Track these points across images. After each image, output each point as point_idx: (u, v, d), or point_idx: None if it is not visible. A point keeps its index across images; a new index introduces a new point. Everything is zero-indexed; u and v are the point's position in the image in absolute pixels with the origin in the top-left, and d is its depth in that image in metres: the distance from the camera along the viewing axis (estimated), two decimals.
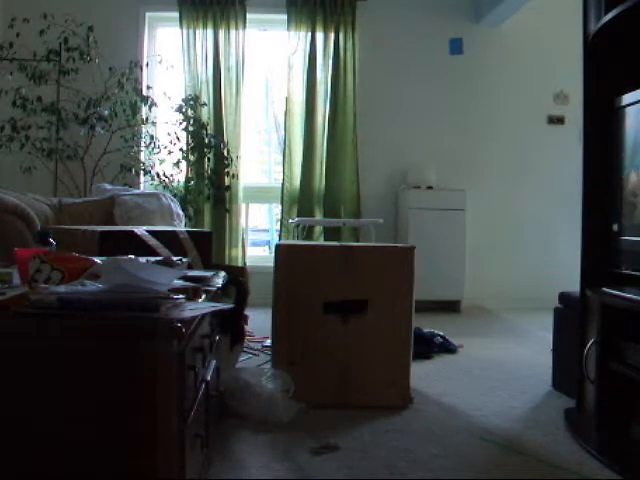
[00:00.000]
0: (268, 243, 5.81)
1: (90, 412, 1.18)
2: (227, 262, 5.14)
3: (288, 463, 1.93)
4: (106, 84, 4.92)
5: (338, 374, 2.46)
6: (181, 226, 4.15)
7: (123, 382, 1.18)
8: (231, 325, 2.54)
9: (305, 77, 5.33)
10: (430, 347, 3.41)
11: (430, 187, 5.13)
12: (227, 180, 5.21)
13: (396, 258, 2.53)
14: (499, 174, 5.48)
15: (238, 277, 2.74)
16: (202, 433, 1.51)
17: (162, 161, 5.05)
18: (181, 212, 4.34)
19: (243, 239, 5.34)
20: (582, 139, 2.48)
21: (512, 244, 5.42)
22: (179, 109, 5.01)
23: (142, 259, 1.75)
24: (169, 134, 5.02)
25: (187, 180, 5.15)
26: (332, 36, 5.35)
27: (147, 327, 1.17)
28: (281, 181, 5.38)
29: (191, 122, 5.04)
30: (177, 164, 5.05)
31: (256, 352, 3.30)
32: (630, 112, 2.25)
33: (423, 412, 2.41)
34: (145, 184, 5.19)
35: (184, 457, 1.29)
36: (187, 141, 5.11)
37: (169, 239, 2.36)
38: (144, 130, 5.05)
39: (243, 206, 5.42)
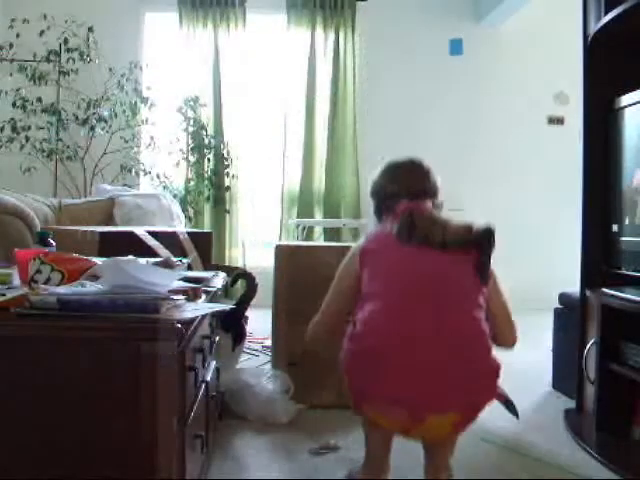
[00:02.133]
0: (268, 243, 5.81)
1: (90, 412, 1.18)
2: (227, 262, 5.14)
3: (288, 463, 1.93)
4: (106, 85, 4.92)
5: (338, 374, 2.46)
6: (181, 227, 4.15)
7: (123, 383, 1.18)
8: (234, 324, 2.54)
9: (305, 77, 5.33)
10: None
11: None
12: (227, 181, 5.21)
13: None
14: (499, 174, 5.48)
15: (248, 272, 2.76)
16: (202, 434, 1.51)
17: (162, 162, 5.05)
18: (181, 213, 4.34)
19: (243, 240, 5.34)
20: (582, 139, 2.48)
21: (512, 244, 5.39)
22: (179, 110, 5.01)
23: (142, 260, 1.75)
24: (169, 135, 5.02)
25: (187, 181, 5.15)
26: (332, 36, 5.35)
27: (147, 328, 1.17)
28: (281, 181, 5.37)
29: (191, 123, 5.05)
30: (177, 165, 5.05)
31: (256, 353, 3.30)
32: (630, 112, 2.25)
33: None
34: (145, 185, 5.19)
35: (184, 457, 1.30)
36: (187, 142, 5.11)
37: (169, 240, 2.35)
38: (144, 131, 5.05)
39: (243, 206, 5.41)
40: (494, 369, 1.55)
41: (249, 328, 3.51)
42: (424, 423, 1.51)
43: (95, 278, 1.44)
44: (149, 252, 2.14)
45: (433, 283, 1.57)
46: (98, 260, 1.61)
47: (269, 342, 3.00)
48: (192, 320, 1.29)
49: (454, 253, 1.58)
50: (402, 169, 1.82)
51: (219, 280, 2.01)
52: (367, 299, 1.59)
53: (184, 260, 2.05)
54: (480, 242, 1.60)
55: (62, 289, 1.33)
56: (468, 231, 1.60)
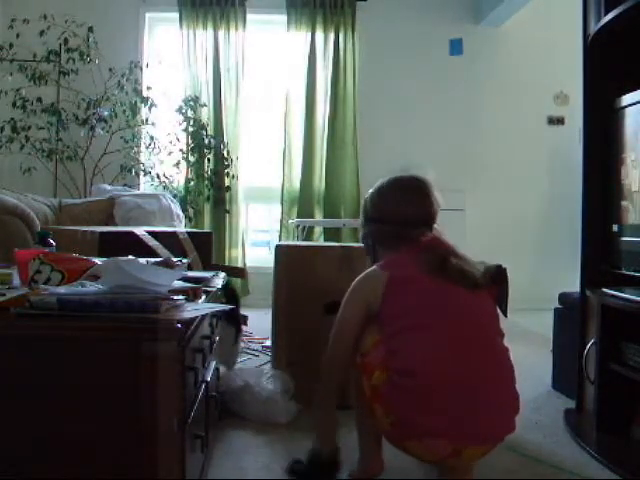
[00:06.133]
0: (268, 244, 5.81)
1: (90, 412, 1.18)
2: (227, 263, 5.14)
3: (288, 464, 1.92)
4: (106, 85, 4.92)
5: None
6: (181, 227, 4.15)
7: (123, 383, 1.18)
8: (234, 315, 2.55)
9: (305, 77, 5.33)
10: None
11: None
12: (227, 181, 5.21)
13: None
14: (499, 174, 5.48)
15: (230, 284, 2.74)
16: (202, 434, 1.51)
17: (162, 162, 5.05)
18: (181, 213, 4.34)
19: (243, 240, 5.34)
20: (582, 139, 2.48)
21: (512, 244, 5.41)
22: (179, 110, 5.01)
23: (142, 260, 1.75)
24: (169, 135, 5.02)
25: (187, 181, 5.15)
26: (332, 36, 5.35)
27: (147, 328, 1.17)
28: (281, 181, 5.37)
29: (191, 123, 5.04)
30: (177, 165, 5.05)
31: (256, 353, 3.30)
32: (630, 112, 2.25)
33: None
34: (145, 185, 5.19)
35: (184, 457, 1.29)
36: (187, 142, 5.11)
37: (169, 240, 2.36)
38: (144, 131, 5.05)
39: (243, 207, 5.42)
40: (517, 400, 1.62)
41: (249, 328, 3.52)
42: (461, 455, 1.54)
43: (95, 278, 1.44)
44: (149, 252, 2.14)
45: (471, 318, 1.63)
46: (98, 260, 1.61)
47: (269, 342, 3.00)
48: (192, 320, 1.29)
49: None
50: (414, 191, 1.79)
51: (219, 280, 2.01)
52: (410, 330, 1.58)
53: (184, 260, 2.05)
54: (501, 280, 1.77)
55: (62, 289, 1.33)
56: (487, 270, 1.72)
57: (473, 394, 1.53)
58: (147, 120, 5.02)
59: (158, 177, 4.97)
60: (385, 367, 1.56)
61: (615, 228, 2.31)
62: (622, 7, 2.11)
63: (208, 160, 5.18)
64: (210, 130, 5.19)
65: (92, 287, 1.35)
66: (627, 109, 2.27)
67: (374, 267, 1.70)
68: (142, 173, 5.04)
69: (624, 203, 2.28)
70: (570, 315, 2.63)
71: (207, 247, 2.62)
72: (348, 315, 1.70)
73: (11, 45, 4.66)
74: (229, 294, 2.58)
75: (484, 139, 5.49)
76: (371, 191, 1.85)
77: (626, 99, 2.26)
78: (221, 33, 5.29)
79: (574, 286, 2.55)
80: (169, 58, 5.26)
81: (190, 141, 5.10)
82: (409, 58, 5.46)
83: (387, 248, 1.74)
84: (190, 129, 5.05)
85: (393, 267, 1.66)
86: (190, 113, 5.06)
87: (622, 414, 2.15)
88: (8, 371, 1.18)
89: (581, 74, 2.45)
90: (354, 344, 1.67)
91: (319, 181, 5.37)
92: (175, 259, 1.97)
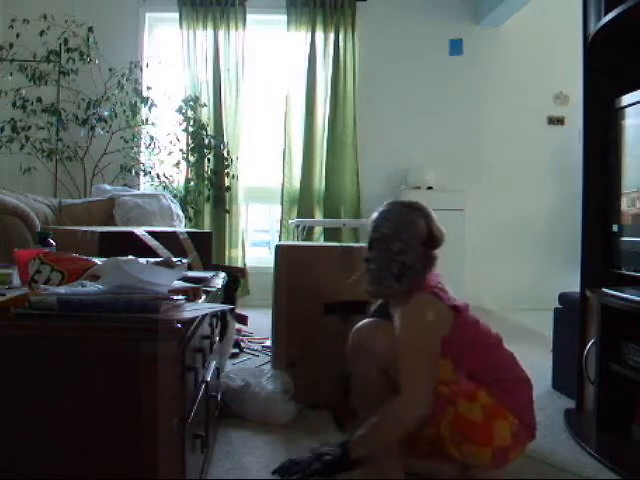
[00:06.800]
0: (268, 244, 5.82)
1: (90, 412, 1.18)
2: (227, 263, 5.14)
3: None
4: (106, 85, 4.92)
5: None
6: (181, 227, 4.15)
7: (123, 383, 1.18)
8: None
9: (305, 77, 5.33)
10: None
11: (430, 187, 5.13)
12: (227, 181, 5.21)
13: None
14: (499, 174, 5.48)
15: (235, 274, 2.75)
16: (202, 434, 1.51)
17: (162, 162, 5.05)
18: (181, 213, 4.34)
19: (243, 240, 5.34)
20: (582, 139, 2.48)
21: (512, 244, 5.42)
22: (179, 110, 5.01)
23: (142, 260, 1.75)
24: (169, 135, 5.02)
25: (187, 181, 5.15)
26: (332, 36, 5.35)
27: (147, 328, 1.17)
28: (281, 181, 5.38)
29: (191, 123, 5.05)
30: (177, 165, 5.05)
31: (256, 353, 3.30)
32: (630, 112, 2.25)
33: None
34: (145, 185, 5.20)
35: (184, 457, 1.29)
36: (187, 142, 5.11)
37: (169, 240, 2.36)
38: (144, 131, 5.05)
39: (243, 207, 5.42)
40: None
41: (249, 328, 3.52)
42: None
43: (95, 278, 1.44)
44: (149, 252, 2.14)
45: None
46: (98, 260, 1.61)
47: (269, 342, 3.00)
48: (192, 320, 1.30)
49: None
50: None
51: (219, 280, 2.01)
52: (486, 348, 1.73)
53: (184, 260, 2.05)
54: None
55: (62, 289, 1.33)
56: None
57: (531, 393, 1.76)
58: (147, 120, 5.02)
59: (158, 177, 4.97)
60: (484, 384, 1.65)
61: (615, 228, 2.31)
62: (622, 7, 2.11)
63: (208, 160, 5.19)
64: (210, 130, 5.19)
65: (92, 287, 1.35)
66: (627, 109, 2.27)
67: (432, 298, 1.65)
68: (142, 173, 5.04)
69: (624, 203, 2.28)
70: (570, 315, 2.63)
71: (207, 247, 2.62)
72: (430, 355, 1.60)
73: (11, 45, 4.67)
74: (229, 293, 2.59)
75: (484, 139, 5.49)
76: (405, 214, 1.79)
77: (626, 99, 2.26)
78: (221, 33, 5.30)
79: (574, 286, 2.56)
80: (169, 58, 5.26)
81: (190, 141, 5.10)
82: (409, 58, 5.46)
83: (423, 273, 1.72)
84: (190, 129, 5.06)
85: (446, 296, 1.69)
86: (190, 113, 5.06)
87: (622, 414, 2.16)
88: (8, 371, 1.18)
89: (581, 74, 2.46)
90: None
91: (319, 181, 5.37)
92: (175, 259, 1.97)
